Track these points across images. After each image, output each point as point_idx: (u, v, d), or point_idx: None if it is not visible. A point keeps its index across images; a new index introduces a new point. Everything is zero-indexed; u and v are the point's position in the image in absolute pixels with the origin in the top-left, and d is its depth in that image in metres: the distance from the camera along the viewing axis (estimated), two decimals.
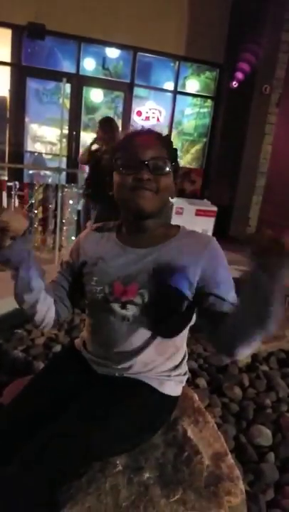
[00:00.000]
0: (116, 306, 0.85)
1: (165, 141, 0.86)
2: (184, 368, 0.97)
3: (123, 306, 0.85)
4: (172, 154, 0.86)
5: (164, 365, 0.91)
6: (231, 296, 0.80)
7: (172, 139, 0.92)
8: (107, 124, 3.15)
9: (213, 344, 0.85)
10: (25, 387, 0.92)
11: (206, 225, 2.69)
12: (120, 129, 5.34)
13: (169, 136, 0.91)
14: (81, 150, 3.56)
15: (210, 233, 2.72)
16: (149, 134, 0.86)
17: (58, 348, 1.81)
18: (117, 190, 0.84)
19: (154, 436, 0.93)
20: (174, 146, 0.89)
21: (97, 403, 0.82)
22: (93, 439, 0.76)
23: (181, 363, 0.95)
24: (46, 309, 0.91)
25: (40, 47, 4.84)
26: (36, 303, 0.89)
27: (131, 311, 0.84)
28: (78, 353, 0.98)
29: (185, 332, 0.93)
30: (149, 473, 0.85)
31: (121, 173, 0.82)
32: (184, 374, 0.97)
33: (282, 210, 3.77)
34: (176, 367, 0.93)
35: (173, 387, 0.93)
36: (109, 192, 0.88)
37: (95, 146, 3.07)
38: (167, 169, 0.82)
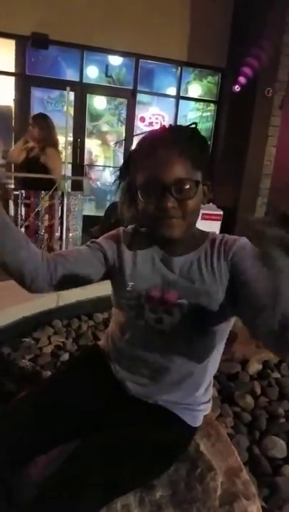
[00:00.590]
0: (151, 320, 0.80)
1: (191, 146, 0.73)
2: (211, 392, 0.95)
3: (158, 321, 0.79)
4: (202, 157, 0.75)
5: (197, 388, 0.87)
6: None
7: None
8: (42, 120, 2.97)
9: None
10: (47, 388, 0.88)
11: (212, 229, 2.65)
12: (124, 135, 5.43)
13: (194, 132, 0.75)
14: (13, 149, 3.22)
15: None
16: (171, 144, 0.71)
17: (65, 356, 1.79)
18: (142, 216, 0.77)
19: None
20: (204, 143, 0.77)
21: (124, 436, 0.77)
22: (116, 478, 0.73)
23: (209, 386, 0.92)
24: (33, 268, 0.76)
25: (43, 56, 4.90)
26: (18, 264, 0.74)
27: (167, 326, 0.79)
28: (105, 358, 0.93)
29: (219, 354, 0.89)
30: (161, 491, 0.82)
31: (142, 199, 0.73)
32: (209, 401, 0.93)
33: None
34: (205, 392, 0.91)
35: (199, 419, 0.90)
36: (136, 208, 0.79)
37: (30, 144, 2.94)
38: (194, 190, 0.72)
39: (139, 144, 0.77)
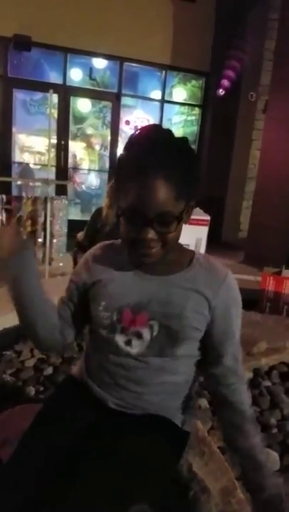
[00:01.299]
0: (120, 342, 0.78)
1: (178, 169, 0.68)
2: (194, 397, 0.91)
3: (128, 343, 0.78)
4: (188, 181, 0.70)
5: (179, 399, 0.84)
6: (231, 351, 0.78)
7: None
8: None
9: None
10: (25, 436, 0.79)
11: (199, 234, 2.64)
12: (109, 138, 5.38)
13: (182, 149, 0.70)
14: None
15: (204, 241, 2.67)
16: (157, 168, 0.66)
17: (49, 370, 1.72)
18: (122, 238, 0.76)
19: None
20: (192, 160, 0.74)
21: (118, 453, 0.72)
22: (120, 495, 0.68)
23: (192, 394, 0.89)
24: (50, 329, 0.83)
25: (26, 58, 4.81)
26: (36, 320, 0.80)
27: (135, 348, 0.77)
28: (82, 385, 0.88)
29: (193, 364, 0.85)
30: None
31: (123, 224, 0.72)
32: (193, 406, 0.91)
33: (272, 212, 3.78)
34: (190, 399, 0.87)
35: (189, 423, 0.86)
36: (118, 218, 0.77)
37: None
38: (176, 224, 0.70)
39: (126, 154, 0.71)
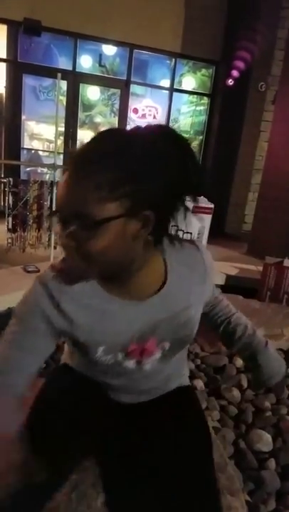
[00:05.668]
0: (130, 365, 0.73)
1: (120, 164, 0.54)
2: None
3: (139, 363, 0.73)
4: (131, 186, 0.54)
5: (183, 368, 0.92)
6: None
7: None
8: None
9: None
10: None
11: (203, 222, 2.66)
12: (116, 126, 5.35)
13: (143, 146, 0.55)
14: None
15: (207, 230, 2.68)
16: (86, 162, 0.55)
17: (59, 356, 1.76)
18: None
19: None
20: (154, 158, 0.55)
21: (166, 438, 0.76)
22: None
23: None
24: None
25: (36, 43, 4.78)
26: None
27: (147, 365, 0.74)
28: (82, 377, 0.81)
29: None
30: None
31: None
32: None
33: (278, 205, 3.75)
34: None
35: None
36: None
37: None
38: (93, 230, 0.54)
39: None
